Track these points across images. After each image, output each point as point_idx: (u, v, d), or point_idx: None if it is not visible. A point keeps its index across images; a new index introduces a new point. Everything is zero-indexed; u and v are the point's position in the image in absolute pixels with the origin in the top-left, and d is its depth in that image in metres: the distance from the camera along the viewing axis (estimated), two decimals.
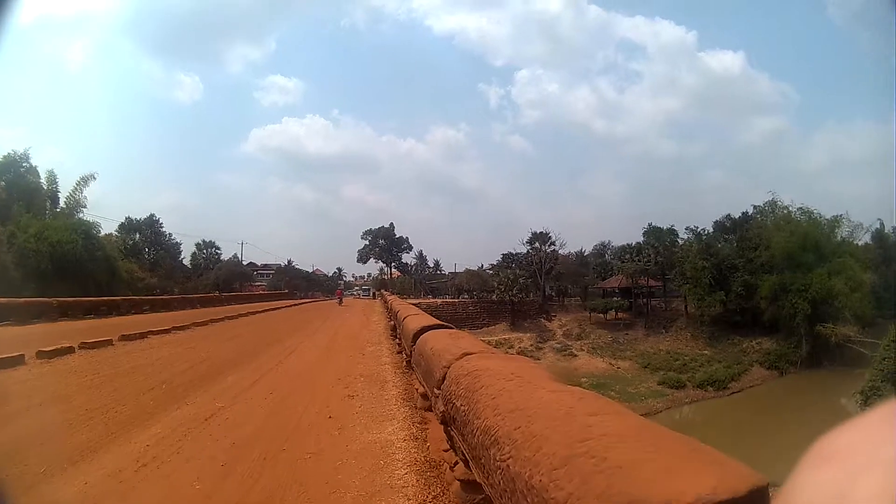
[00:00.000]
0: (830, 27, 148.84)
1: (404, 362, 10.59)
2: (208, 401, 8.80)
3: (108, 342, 15.40)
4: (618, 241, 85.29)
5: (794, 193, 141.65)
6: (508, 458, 1.78)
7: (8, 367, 11.25)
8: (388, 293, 61.50)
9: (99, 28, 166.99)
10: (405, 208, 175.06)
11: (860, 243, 59.64)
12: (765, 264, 55.96)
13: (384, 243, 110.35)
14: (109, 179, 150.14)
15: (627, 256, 72.01)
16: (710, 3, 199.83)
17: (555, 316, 70.30)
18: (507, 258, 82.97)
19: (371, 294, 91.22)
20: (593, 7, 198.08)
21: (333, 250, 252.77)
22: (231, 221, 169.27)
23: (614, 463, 1.37)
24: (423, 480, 4.99)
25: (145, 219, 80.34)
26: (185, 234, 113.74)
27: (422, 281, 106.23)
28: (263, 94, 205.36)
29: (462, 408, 2.62)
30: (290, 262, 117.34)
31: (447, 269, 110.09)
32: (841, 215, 57.33)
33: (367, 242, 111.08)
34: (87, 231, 43.55)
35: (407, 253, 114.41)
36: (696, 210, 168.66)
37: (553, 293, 77.86)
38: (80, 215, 47.61)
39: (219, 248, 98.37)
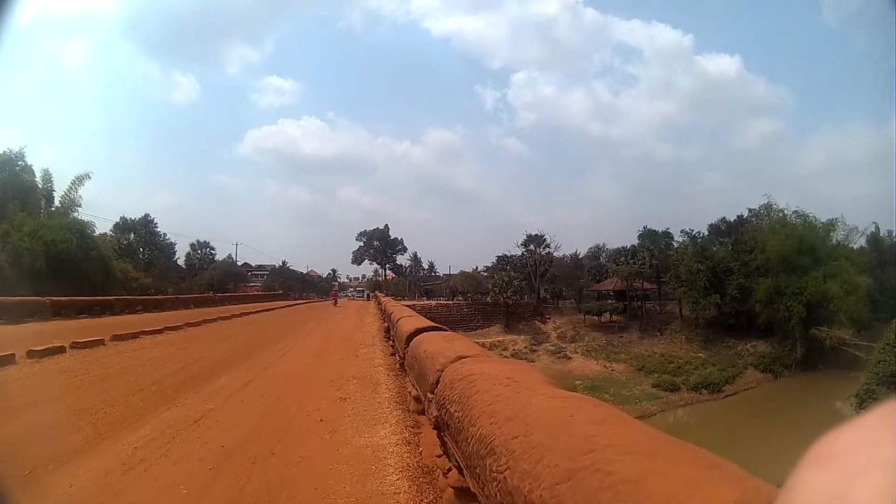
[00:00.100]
0: (826, 30, 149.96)
1: (398, 364, 10.47)
2: (198, 402, 8.69)
3: (100, 342, 15.27)
4: (613, 243, 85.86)
5: (790, 196, 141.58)
6: (506, 470, 1.67)
7: None
8: (383, 295, 61.55)
9: (96, 28, 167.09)
10: (400, 210, 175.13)
11: (855, 247, 60.16)
12: (760, 267, 56.26)
13: (379, 245, 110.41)
14: (104, 179, 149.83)
15: (622, 259, 72.32)
16: (707, 7, 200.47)
17: (549, 318, 70.46)
18: (502, 260, 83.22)
19: (365, 296, 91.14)
20: (590, 10, 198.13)
21: (328, 252, 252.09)
22: (225, 222, 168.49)
23: (623, 478, 1.25)
24: (415, 486, 4.89)
25: (140, 218, 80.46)
26: (180, 235, 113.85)
27: (416, 283, 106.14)
28: (260, 96, 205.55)
29: (456, 414, 2.51)
30: (284, 263, 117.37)
31: (442, 270, 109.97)
32: (836, 219, 57.85)
33: (361, 244, 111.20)
34: (82, 230, 43.23)
35: (402, 255, 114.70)
36: (692, 213, 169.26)
37: (547, 295, 78.03)
38: (75, 214, 47.40)
39: (213, 249, 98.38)
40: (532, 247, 78.59)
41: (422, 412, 5.45)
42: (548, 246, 78.56)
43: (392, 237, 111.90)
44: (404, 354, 6.86)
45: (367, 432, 6.74)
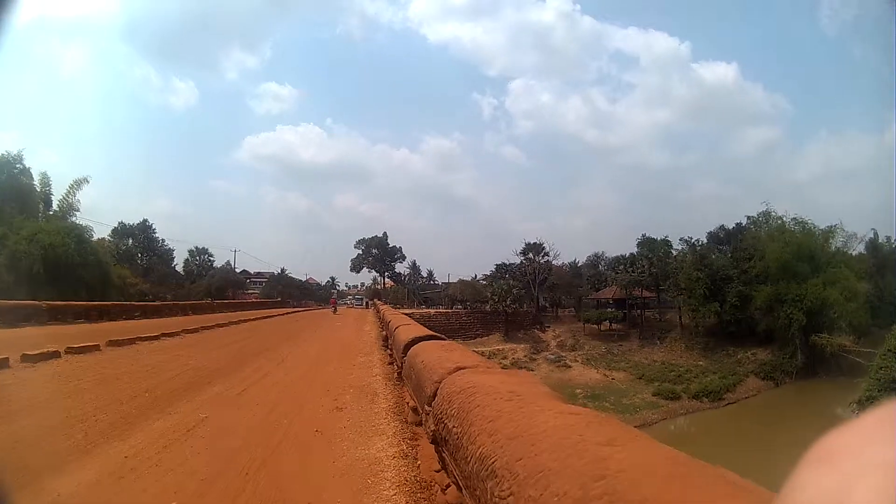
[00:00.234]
0: (824, 38, 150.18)
1: (395, 373, 10.34)
2: (192, 411, 8.54)
3: (96, 347, 15.08)
4: (612, 251, 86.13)
5: (788, 202, 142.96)
6: (509, 496, 1.53)
7: None
8: (381, 303, 61.49)
9: (96, 32, 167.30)
10: (399, 218, 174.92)
11: (854, 253, 60.06)
12: (759, 275, 56.14)
13: (377, 253, 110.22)
14: (103, 184, 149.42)
15: (621, 267, 72.27)
16: (704, 15, 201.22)
17: (549, 327, 70.42)
18: (501, 268, 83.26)
19: (364, 304, 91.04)
20: (587, 18, 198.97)
21: (327, 259, 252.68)
22: (224, 229, 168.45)
23: None
24: (412, 502, 4.75)
25: (138, 224, 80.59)
26: (178, 241, 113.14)
27: (415, 291, 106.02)
28: (258, 102, 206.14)
29: (455, 430, 2.37)
30: (283, 270, 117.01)
31: (441, 279, 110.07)
32: (835, 225, 57.86)
33: (360, 252, 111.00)
34: (80, 235, 43.15)
35: (400, 262, 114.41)
36: (690, 220, 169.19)
37: (547, 304, 78.08)
38: (73, 219, 47.33)
39: (212, 256, 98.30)
40: (531, 255, 78.69)
41: (420, 423, 5.32)
42: (546, 254, 78.79)
43: (391, 245, 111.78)
44: (402, 364, 6.74)
45: (364, 444, 6.59)
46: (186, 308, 43.46)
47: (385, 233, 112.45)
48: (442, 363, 3.62)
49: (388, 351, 14.13)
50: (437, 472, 4.32)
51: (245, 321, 33.91)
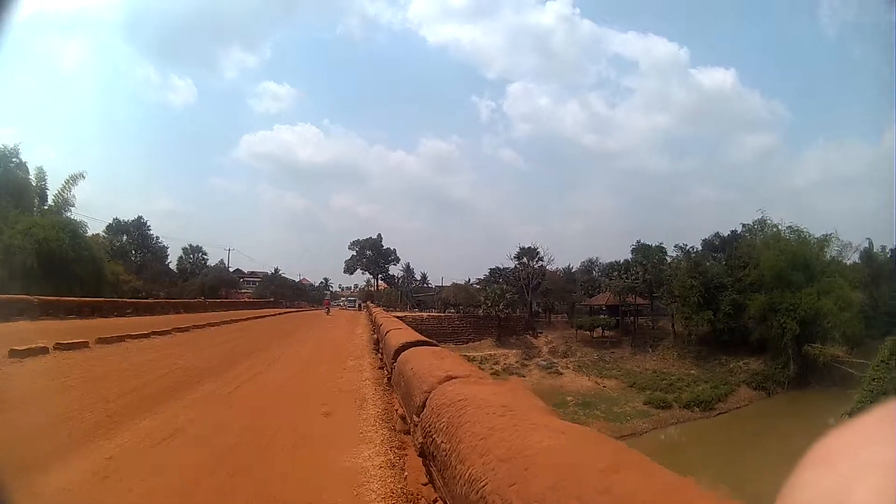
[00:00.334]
0: (822, 43, 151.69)
1: (385, 379, 10.22)
2: (179, 411, 8.41)
3: (85, 344, 14.96)
4: (607, 257, 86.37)
5: (785, 209, 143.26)
6: None
7: None
8: (374, 305, 61.42)
9: (95, 28, 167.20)
10: (394, 219, 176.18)
11: (849, 262, 60.29)
12: (753, 283, 56.21)
13: (371, 254, 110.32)
14: (100, 180, 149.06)
15: (615, 274, 72.30)
16: (703, 21, 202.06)
17: (541, 332, 70.42)
18: (495, 273, 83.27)
19: (357, 305, 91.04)
20: (586, 22, 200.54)
21: (320, 260, 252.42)
22: (219, 227, 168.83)
23: None
24: None
25: (133, 221, 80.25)
26: (173, 238, 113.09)
27: (408, 294, 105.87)
28: (256, 101, 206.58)
29: (443, 445, 2.25)
30: (276, 270, 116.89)
31: (434, 282, 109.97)
32: (830, 234, 57.98)
33: (354, 253, 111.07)
34: (75, 230, 43.18)
35: (394, 265, 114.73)
36: (689, 225, 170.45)
37: (540, 309, 78.01)
38: (68, 214, 47.42)
39: (205, 254, 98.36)
40: (525, 260, 78.66)
41: (408, 432, 5.21)
42: (541, 259, 78.78)
43: (385, 247, 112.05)
44: (391, 369, 6.62)
45: (351, 452, 6.40)
46: (179, 306, 43.51)
47: (379, 234, 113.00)
48: (432, 371, 3.51)
49: (379, 355, 14.05)
50: (425, 485, 4.21)
51: (237, 321, 33.78)
